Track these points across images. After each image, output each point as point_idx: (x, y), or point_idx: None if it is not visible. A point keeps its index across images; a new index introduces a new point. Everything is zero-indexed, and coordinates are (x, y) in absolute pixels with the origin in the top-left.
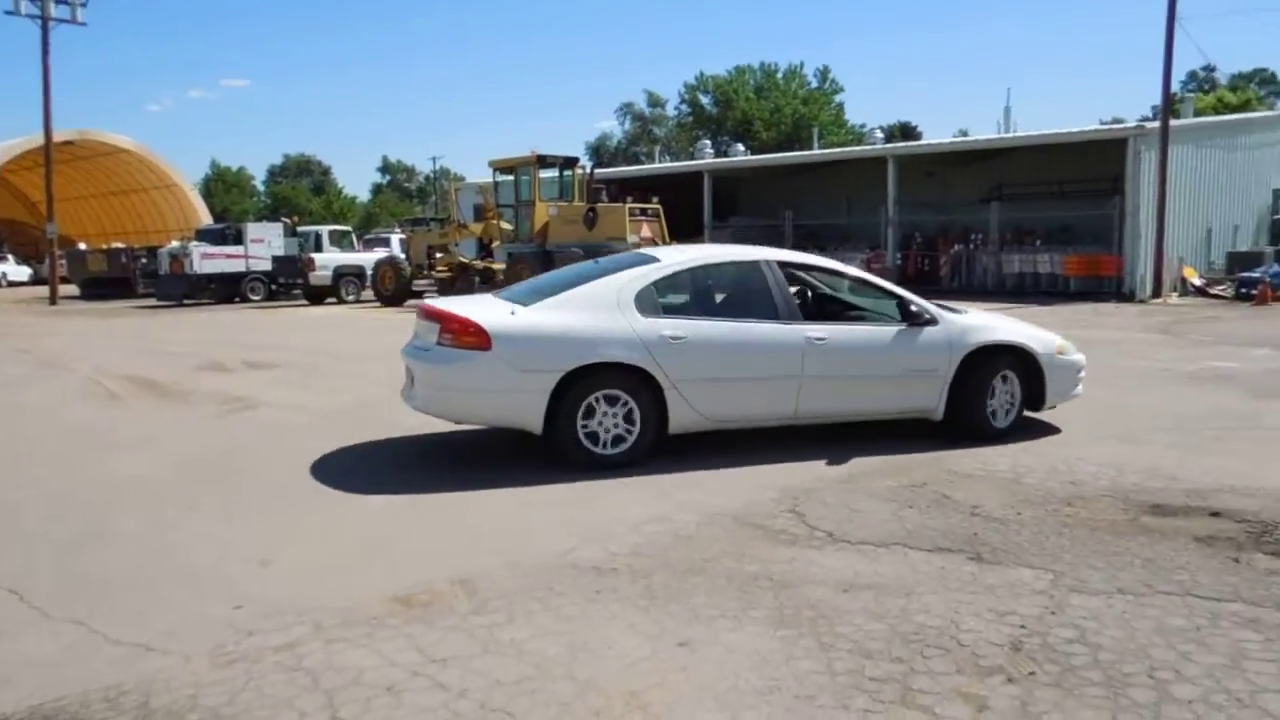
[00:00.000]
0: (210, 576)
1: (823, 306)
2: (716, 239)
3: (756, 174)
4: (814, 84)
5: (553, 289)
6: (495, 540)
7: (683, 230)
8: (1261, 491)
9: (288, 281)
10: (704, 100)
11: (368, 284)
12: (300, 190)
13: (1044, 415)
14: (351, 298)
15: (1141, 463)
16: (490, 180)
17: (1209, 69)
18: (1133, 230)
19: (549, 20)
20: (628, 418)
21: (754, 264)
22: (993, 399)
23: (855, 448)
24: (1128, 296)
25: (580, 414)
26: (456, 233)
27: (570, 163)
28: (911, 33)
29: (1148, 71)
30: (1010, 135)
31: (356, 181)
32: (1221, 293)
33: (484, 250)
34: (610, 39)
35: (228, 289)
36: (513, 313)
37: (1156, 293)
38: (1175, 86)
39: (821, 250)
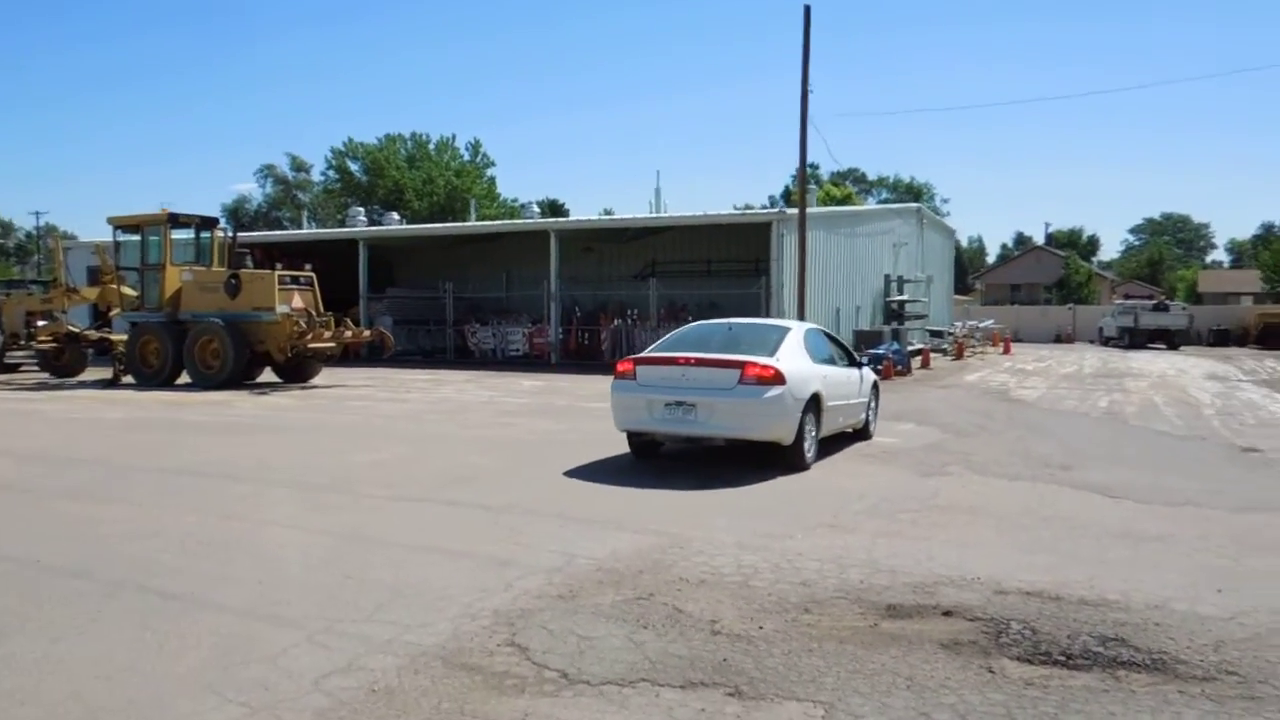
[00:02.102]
0: None
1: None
2: (372, 310)
3: (414, 244)
4: (466, 157)
5: (740, 342)
6: None
7: (335, 300)
8: (976, 583)
9: None
10: (353, 167)
11: None
12: None
13: (753, 504)
14: None
15: (858, 554)
16: (109, 240)
17: (814, 166)
18: (777, 308)
19: (179, 71)
20: (810, 432)
21: (819, 330)
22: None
23: (554, 546)
24: None
25: (805, 429)
26: (65, 298)
27: (208, 223)
28: (562, 112)
29: (767, 162)
30: (666, 215)
31: None
32: None
33: (100, 318)
34: (248, 96)
35: None
36: (777, 359)
37: None
38: (788, 180)
39: (484, 324)
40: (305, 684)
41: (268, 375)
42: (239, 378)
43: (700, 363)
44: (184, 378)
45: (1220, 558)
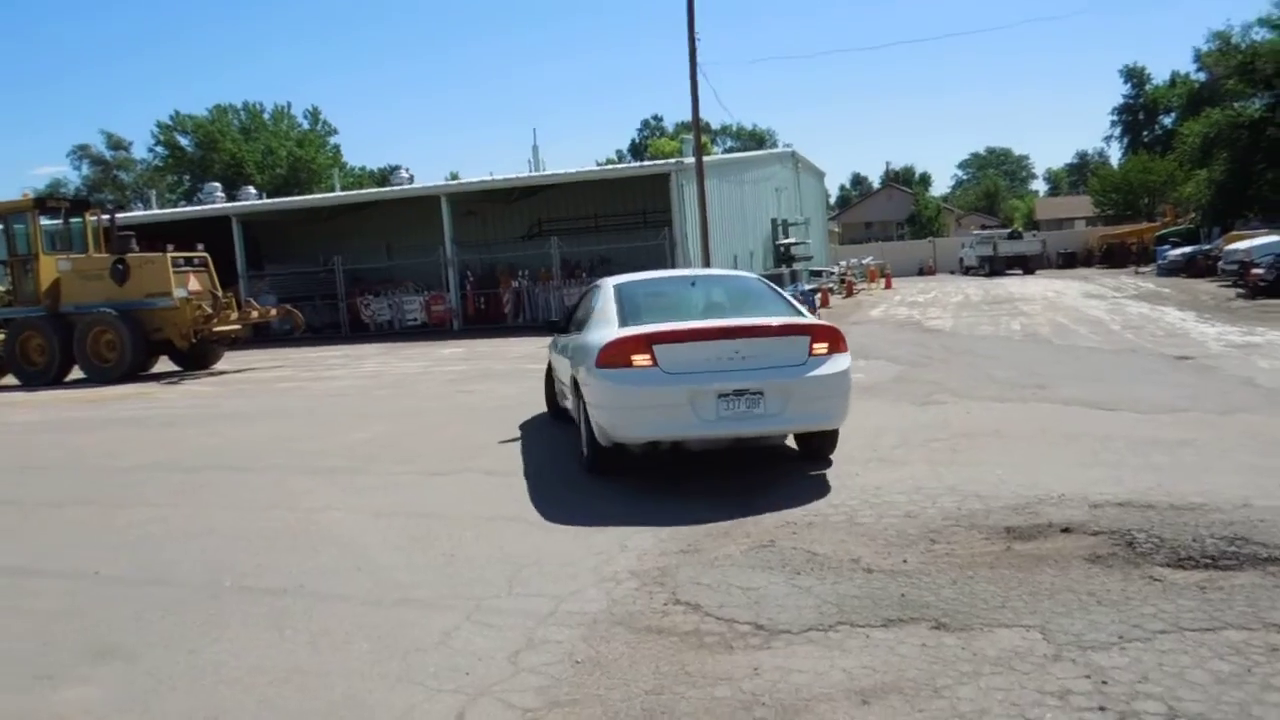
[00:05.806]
0: None
1: None
2: (254, 289)
3: (282, 219)
4: (305, 125)
5: (723, 303)
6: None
7: None
8: (1065, 500)
9: None
10: (183, 141)
11: None
12: None
13: (784, 447)
14: None
15: (932, 484)
16: None
17: (659, 118)
18: (683, 258)
19: None
20: None
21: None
22: None
23: (617, 521)
24: None
25: None
26: None
27: (81, 207)
28: (397, 75)
29: (614, 114)
30: (560, 172)
31: None
32: None
33: None
34: (51, 73)
35: None
36: (815, 318)
37: None
38: (634, 134)
39: (375, 295)
40: (501, 664)
41: (164, 364)
42: (136, 369)
43: (756, 331)
44: (75, 373)
45: (1254, 456)
